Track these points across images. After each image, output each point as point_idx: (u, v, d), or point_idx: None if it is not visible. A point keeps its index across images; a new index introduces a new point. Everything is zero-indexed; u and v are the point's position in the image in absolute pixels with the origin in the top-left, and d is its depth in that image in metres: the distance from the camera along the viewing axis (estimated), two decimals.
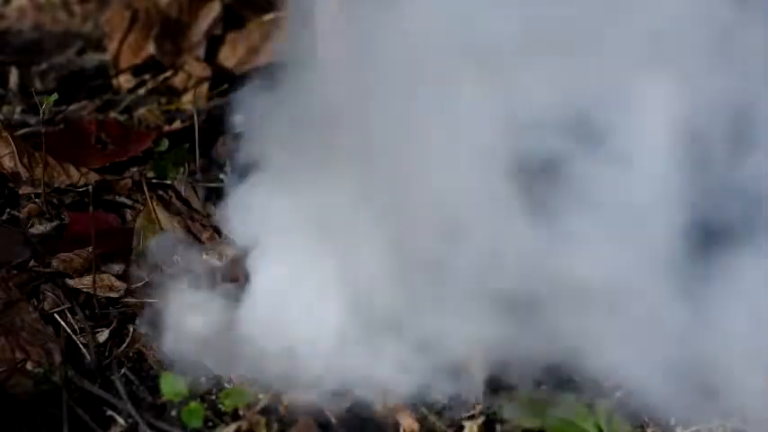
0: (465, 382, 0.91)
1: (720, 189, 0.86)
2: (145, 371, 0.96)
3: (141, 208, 1.13)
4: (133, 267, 1.04)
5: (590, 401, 0.91)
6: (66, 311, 1.01)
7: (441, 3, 0.85)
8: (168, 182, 1.18)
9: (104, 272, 1.05)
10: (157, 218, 1.11)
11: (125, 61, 1.39)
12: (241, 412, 0.90)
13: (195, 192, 1.16)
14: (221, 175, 1.18)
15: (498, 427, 0.89)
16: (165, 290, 0.98)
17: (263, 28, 1.43)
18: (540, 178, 0.85)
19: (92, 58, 1.43)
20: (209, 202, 1.15)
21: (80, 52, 1.45)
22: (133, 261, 1.05)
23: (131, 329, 1.00)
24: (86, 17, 1.51)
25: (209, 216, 1.14)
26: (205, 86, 1.36)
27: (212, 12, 1.44)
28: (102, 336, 0.99)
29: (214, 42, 1.43)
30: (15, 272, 1.03)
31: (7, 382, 0.92)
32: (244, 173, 1.00)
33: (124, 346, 0.98)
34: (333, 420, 0.90)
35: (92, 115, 1.29)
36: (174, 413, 0.91)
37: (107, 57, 1.41)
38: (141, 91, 1.36)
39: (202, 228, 1.11)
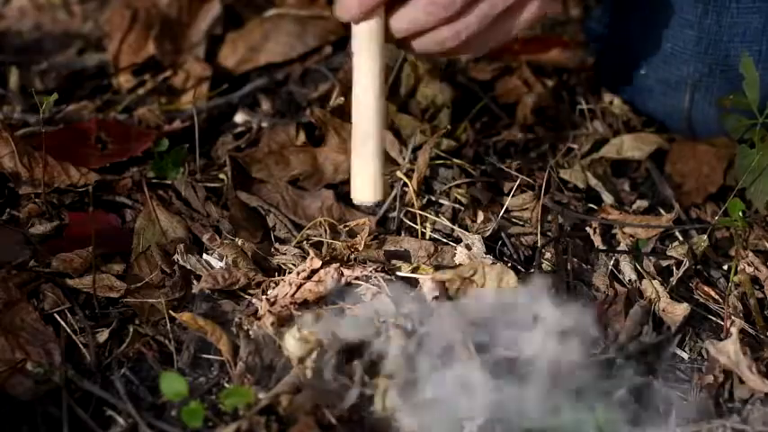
0: None
1: None
2: (145, 371, 0.96)
3: (141, 208, 1.13)
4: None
5: (590, 401, 0.91)
6: (66, 311, 1.01)
7: None
8: (168, 182, 1.18)
9: (104, 272, 1.05)
10: (157, 218, 1.11)
11: (125, 61, 1.39)
12: (241, 412, 0.90)
13: (195, 192, 1.16)
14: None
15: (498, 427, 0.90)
16: None
17: (263, 28, 1.43)
18: None
19: (92, 58, 1.42)
20: (209, 201, 1.15)
21: (80, 52, 1.45)
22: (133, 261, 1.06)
23: (131, 329, 1.00)
24: (86, 17, 1.51)
25: (208, 216, 1.14)
26: (205, 86, 1.36)
27: (212, 12, 1.44)
28: (102, 336, 0.99)
29: (214, 42, 1.43)
30: (15, 272, 1.03)
31: (7, 382, 0.92)
32: None
33: (124, 346, 0.98)
34: (333, 420, 0.90)
35: (92, 115, 1.29)
36: (174, 413, 0.91)
37: (107, 57, 1.40)
38: (141, 91, 1.36)
39: (202, 228, 1.11)
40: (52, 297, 1.02)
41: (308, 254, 1.03)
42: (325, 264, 1.02)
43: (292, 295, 1.01)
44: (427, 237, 1.12)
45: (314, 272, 1.02)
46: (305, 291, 1.01)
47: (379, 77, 1.00)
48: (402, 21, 1.00)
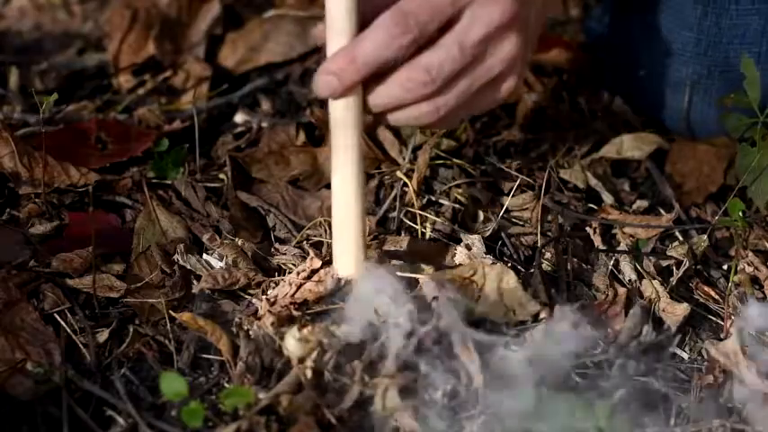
0: None
1: None
2: (145, 371, 0.96)
3: (141, 208, 1.13)
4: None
5: (590, 401, 0.91)
6: (66, 311, 1.01)
7: None
8: (168, 182, 1.18)
9: (104, 272, 1.05)
10: (157, 218, 1.11)
11: (125, 61, 1.39)
12: (241, 412, 0.90)
13: (195, 192, 1.16)
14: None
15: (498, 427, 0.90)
16: None
17: (262, 28, 1.43)
18: None
19: (92, 58, 1.43)
20: (209, 201, 1.15)
21: (80, 52, 1.45)
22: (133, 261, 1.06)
23: (131, 329, 1.00)
24: (86, 17, 1.51)
25: (208, 216, 1.14)
26: (205, 86, 1.36)
27: (212, 12, 1.44)
28: (102, 336, 0.99)
29: (214, 42, 1.43)
30: (15, 272, 1.03)
31: (7, 382, 0.92)
32: None
33: (124, 346, 0.98)
34: (333, 420, 0.90)
35: (92, 115, 1.29)
36: (174, 413, 0.91)
37: (107, 57, 1.41)
38: (141, 91, 1.36)
39: (202, 228, 1.11)
40: (52, 297, 1.02)
41: (308, 254, 1.03)
42: (325, 264, 1.02)
43: (292, 295, 1.01)
44: (427, 237, 1.12)
45: (314, 272, 1.02)
46: (305, 291, 1.01)
47: (357, 150, 0.97)
48: (380, 97, 0.97)
